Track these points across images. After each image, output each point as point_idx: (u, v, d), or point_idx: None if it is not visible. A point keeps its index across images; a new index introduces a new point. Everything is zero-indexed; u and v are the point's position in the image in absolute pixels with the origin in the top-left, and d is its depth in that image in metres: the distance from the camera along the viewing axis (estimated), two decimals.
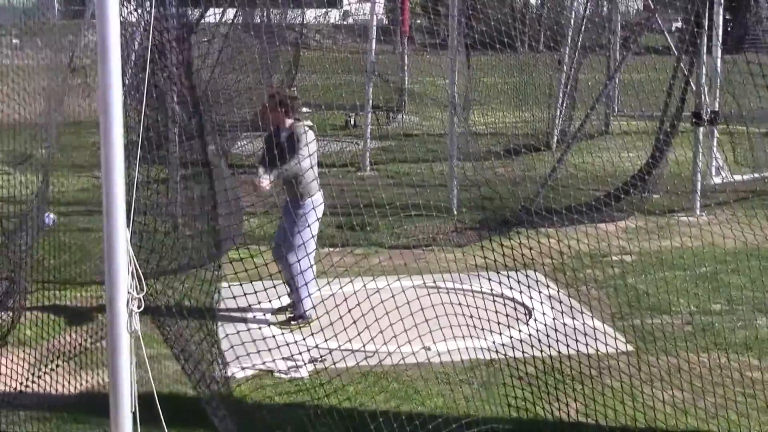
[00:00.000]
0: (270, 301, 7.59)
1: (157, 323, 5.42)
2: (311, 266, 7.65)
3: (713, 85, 11.84)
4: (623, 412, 5.81)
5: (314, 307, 7.59)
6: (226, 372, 5.55)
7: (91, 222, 10.39)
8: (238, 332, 6.05)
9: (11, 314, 6.53)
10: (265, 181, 7.51)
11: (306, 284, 7.57)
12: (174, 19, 5.18)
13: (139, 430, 4.16)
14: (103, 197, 3.90)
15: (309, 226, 7.50)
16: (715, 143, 12.42)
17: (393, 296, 6.12)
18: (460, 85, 12.46)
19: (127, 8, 4.66)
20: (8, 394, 6.20)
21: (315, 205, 7.61)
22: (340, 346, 6.34)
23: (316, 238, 7.77)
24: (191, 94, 5.19)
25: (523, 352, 6.47)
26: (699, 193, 11.74)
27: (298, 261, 7.41)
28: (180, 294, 5.22)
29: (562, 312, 7.32)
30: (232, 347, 6.10)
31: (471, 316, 6.12)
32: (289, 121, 7.71)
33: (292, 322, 7.72)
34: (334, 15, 21.65)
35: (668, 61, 12.26)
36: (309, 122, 7.89)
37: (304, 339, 6.88)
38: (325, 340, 6.58)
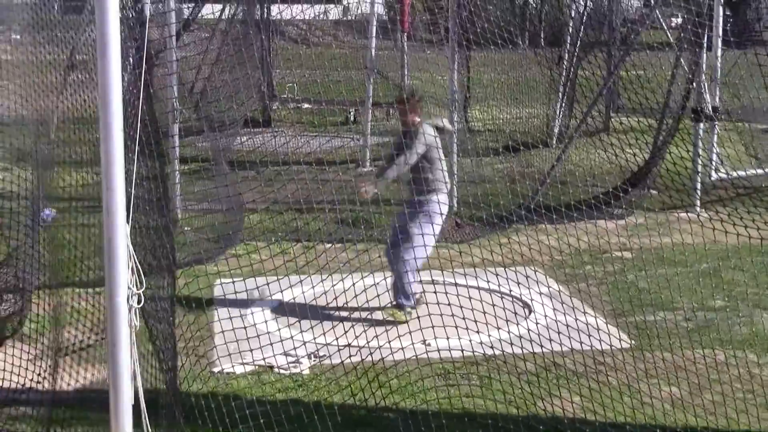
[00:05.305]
0: (270, 296, 7.60)
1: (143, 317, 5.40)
2: (424, 258, 7.61)
3: (713, 81, 11.81)
4: (623, 409, 5.81)
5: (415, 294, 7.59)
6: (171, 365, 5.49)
7: (91, 218, 10.37)
8: (244, 328, 6.05)
9: (18, 313, 6.52)
10: (371, 189, 7.60)
11: (413, 280, 7.55)
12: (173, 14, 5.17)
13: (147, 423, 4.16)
14: (103, 193, 3.89)
15: (433, 224, 7.50)
16: (715, 139, 12.40)
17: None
18: (458, 81, 12.43)
19: (125, 2, 4.65)
20: (8, 390, 6.19)
21: (440, 202, 7.61)
22: (339, 341, 6.35)
23: (436, 237, 7.73)
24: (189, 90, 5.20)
25: (522, 348, 6.46)
26: (699, 189, 11.72)
27: (412, 259, 7.41)
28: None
29: (562, 309, 7.32)
30: (236, 341, 6.11)
31: (473, 309, 6.11)
32: (415, 120, 7.79)
33: (395, 311, 7.58)
34: (334, 12, 21.62)
35: (668, 57, 12.23)
36: (432, 122, 7.96)
37: (301, 333, 6.87)
38: (323, 334, 6.58)
